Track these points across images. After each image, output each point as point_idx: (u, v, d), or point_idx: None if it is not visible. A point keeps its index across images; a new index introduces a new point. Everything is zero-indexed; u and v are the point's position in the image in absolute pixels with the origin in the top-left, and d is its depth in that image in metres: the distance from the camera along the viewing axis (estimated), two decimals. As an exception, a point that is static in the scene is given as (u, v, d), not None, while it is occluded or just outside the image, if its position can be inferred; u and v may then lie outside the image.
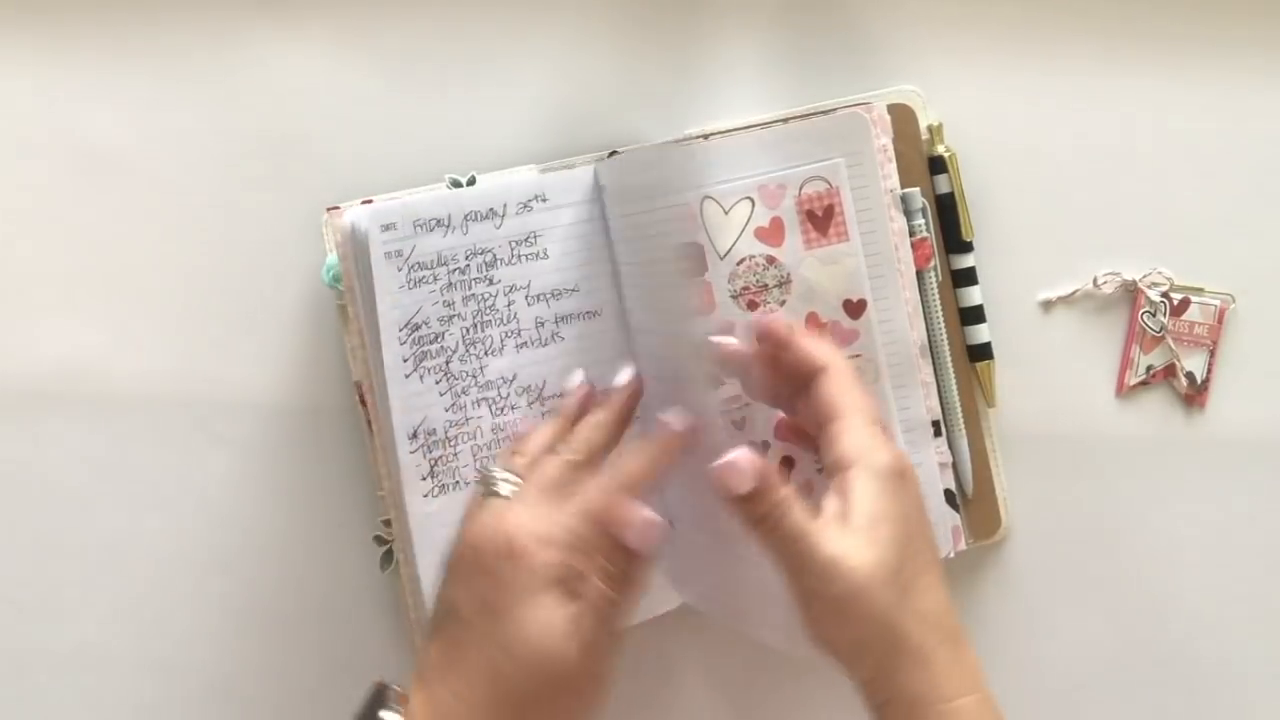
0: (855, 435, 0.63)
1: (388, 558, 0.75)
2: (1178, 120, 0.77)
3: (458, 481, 0.72)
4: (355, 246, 0.71)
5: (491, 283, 0.72)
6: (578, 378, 0.70)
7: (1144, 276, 0.78)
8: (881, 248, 0.72)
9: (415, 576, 0.72)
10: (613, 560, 0.62)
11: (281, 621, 0.79)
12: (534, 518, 0.62)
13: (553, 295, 0.73)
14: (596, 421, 0.67)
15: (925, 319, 0.74)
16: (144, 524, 0.78)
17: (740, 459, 0.60)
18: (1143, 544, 0.79)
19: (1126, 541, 0.79)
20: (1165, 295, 0.77)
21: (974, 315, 0.76)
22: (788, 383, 0.67)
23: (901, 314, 0.73)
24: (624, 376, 0.69)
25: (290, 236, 0.77)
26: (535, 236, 0.73)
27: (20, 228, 0.78)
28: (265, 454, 0.79)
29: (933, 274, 0.75)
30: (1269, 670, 0.79)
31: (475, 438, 0.72)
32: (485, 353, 0.72)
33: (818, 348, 0.66)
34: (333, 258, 0.74)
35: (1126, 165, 0.77)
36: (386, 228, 0.71)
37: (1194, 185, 0.77)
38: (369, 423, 0.75)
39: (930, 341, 0.75)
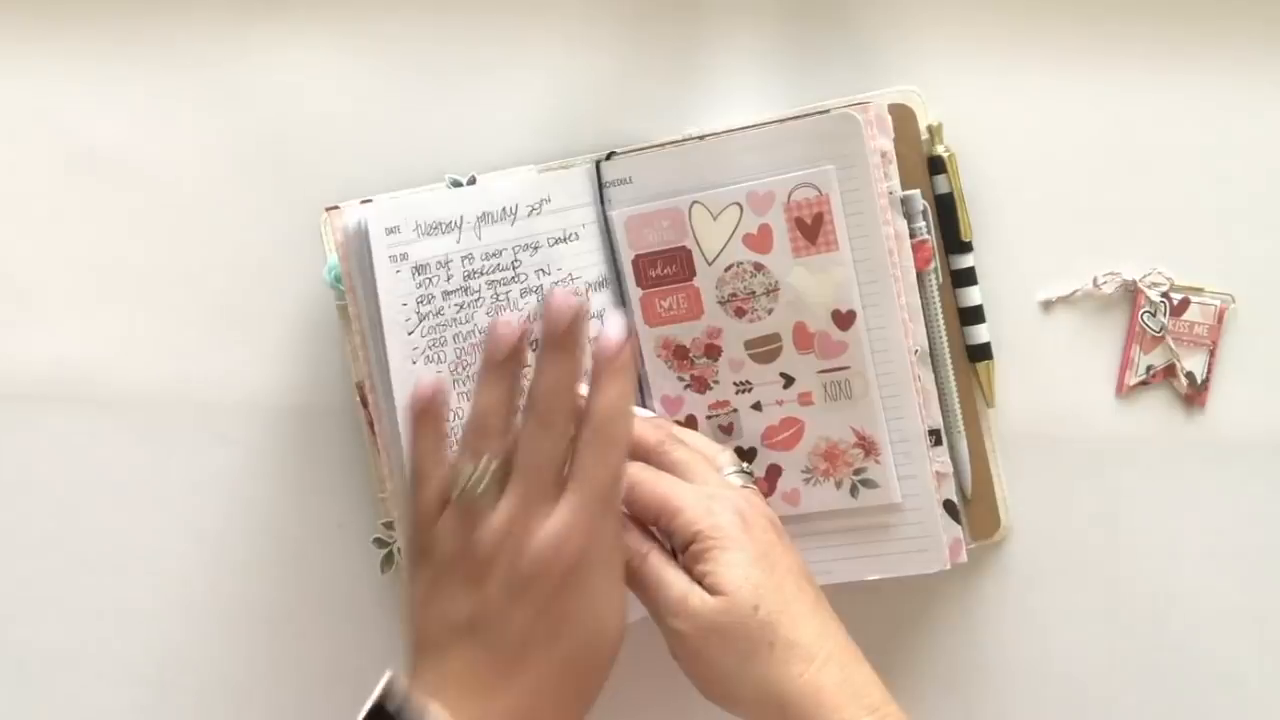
0: (681, 516, 0.64)
1: (388, 560, 0.75)
2: (1178, 120, 0.77)
3: None
4: (358, 247, 0.71)
5: (509, 282, 0.72)
6: (511, 321, 0.63)
7: (1144, 276, 0.77)
8: (875, 253, 0.72)
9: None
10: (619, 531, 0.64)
11: (281, 621, 0.79)
12: (548, 517, 0.61)
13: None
14: (553, 385, 0.62)
15: (925, 322, 0.74)
16: (144, 524, 0.79)
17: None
18: (1143, 544, 0.78)
19: (1126, 541, 0.78)
20: (1165, 295, 0.77)
21: (974, 315, 0.76)
22: None
23: (895, 322, 0.72)
24: (562, 303, 0.62)
25: (290, 236, 0.78)
26: (545, 239, 0.73)
27: (20, 228, 0.79)
28: (265, 454, 0.79)
29: (933, 276, 0.75)
30: (1269, 670, 0.79)
31: None
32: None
33: (612, 466, 0.63)
34: (334, 258, 0.74)
35: (1126, 165, 0.77)
36: (391, 230, 0.70)
37: (1194, 185, 0.77)
38: (369, 423, 0.75)
39: (930, 344, 0.74)
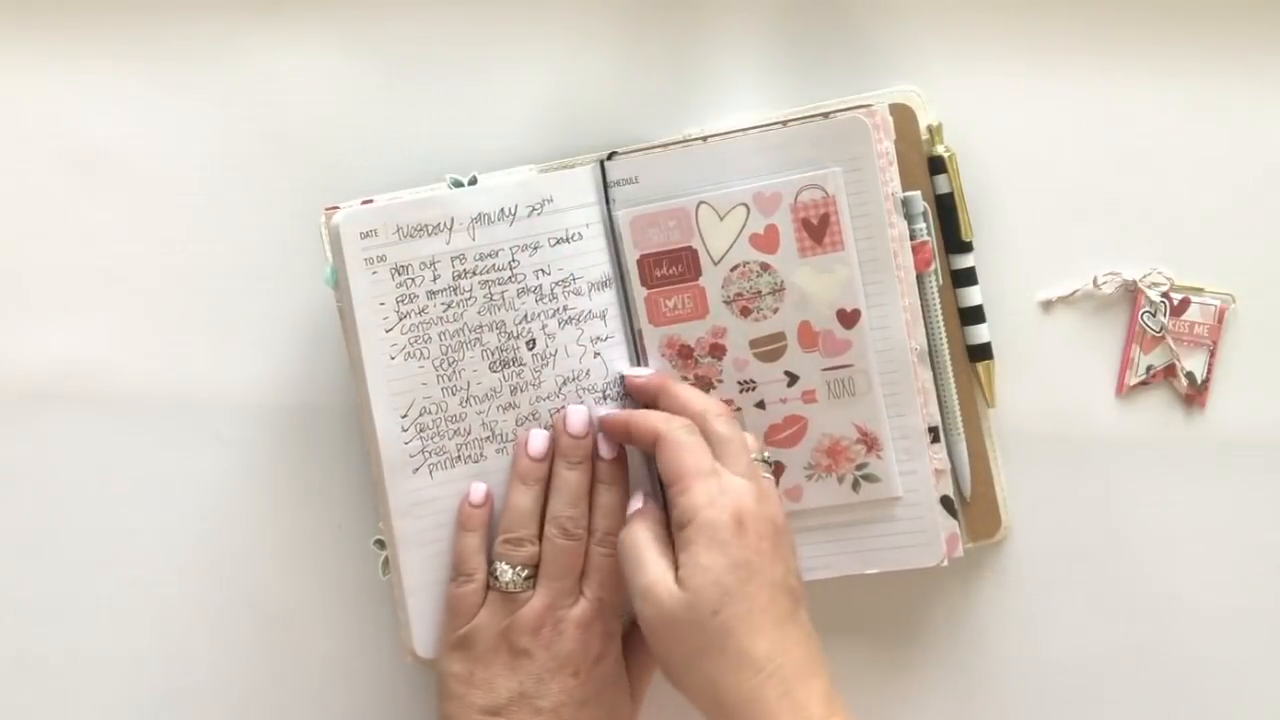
0: (688, 496, 0.66)
1: (388, 562, 0.75)
2: (1177, 120, 0.77)
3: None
4: (337, 249, 0.72)
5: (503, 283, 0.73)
6: (537, 440, 0.73)
7: (1144, 276, 0.77)
8: (879, 254, 0.72)
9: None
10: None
11: (281, 622, 0.79)
12: (573, 607, 0.71)
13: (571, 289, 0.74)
14: (573, 490, 0.72)
15: (925, 322, 0.74)
16: (144, 524, 0.79)
17: None
18: (1143, 544, 0.79)
19: (1126, 541, 0.79)
20: (1165, 295, 0.77)
21: (974, 315, 0.76)
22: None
23: (898, 321, 0.73)
24: (577, 423, 0.72)
25: (291, 237, 0.78)
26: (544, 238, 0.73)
27: (20, 228, 0.78)
28: (265, 454, 0.79)
29: (933, 277, 0.75)
30: (1269, 670, 0.79)
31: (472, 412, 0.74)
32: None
33: (646, 421, 0.70)
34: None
35: (1126, 165, 0.77)
36: (366, 234, 0.71)
37: (1194, 185, 0.77)
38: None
39: (930, 344, 0.74)
